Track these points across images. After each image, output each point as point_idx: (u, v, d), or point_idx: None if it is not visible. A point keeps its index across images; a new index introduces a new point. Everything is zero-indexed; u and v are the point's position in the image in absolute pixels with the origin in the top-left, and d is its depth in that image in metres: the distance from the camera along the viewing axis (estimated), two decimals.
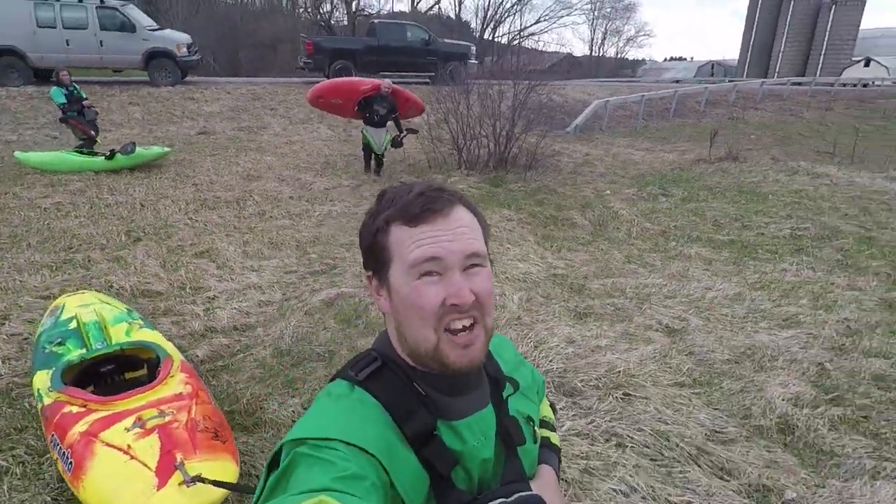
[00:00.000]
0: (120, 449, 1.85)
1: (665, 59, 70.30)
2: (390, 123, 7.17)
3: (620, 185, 7.07)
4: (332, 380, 0.71)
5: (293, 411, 2.46)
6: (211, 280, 3.88)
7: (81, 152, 6.85)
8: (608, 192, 6.65)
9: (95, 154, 6.84)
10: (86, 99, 7.16)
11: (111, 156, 6.70)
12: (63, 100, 6.86)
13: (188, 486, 1.70)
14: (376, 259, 0.69)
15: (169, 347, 2.52)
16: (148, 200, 5.70)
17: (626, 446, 2.31)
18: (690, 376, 2.95)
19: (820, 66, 38.83)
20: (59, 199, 5.56)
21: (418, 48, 13.58)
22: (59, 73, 6.94)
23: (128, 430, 1.91)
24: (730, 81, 16.74)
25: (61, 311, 2.70)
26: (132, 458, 1.81)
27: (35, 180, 6.22)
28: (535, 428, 0.81)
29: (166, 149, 7.33)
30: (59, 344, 2.45)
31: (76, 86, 7.08)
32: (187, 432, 1.93)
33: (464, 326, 0.64)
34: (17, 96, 10.06)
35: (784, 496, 2.20)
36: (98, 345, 2.46)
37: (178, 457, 1.81)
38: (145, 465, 1.79)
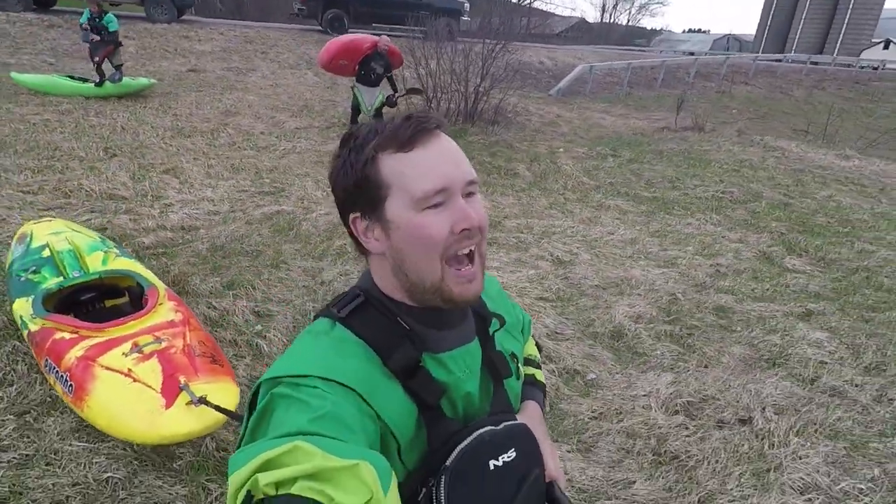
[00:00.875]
0: (121, 372, 1.90)
1: (683, 31, 68.60)
2: (383, 83, 7.07)
3: (576, 144, 7.50)
4: (314, 318, 0.71)
5: (211, 286, 3.04)
6: (171, 191, 4.42)
7: (71, 77, 7.29)
8: (561, 149, 7.09)
9: (85, 80, 7.28)
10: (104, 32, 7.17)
11: (100, 83, 7.15)
12: (83, 19, 6.99)
13: (196, 406, 1.76)
14: (368, 196, 0.65)
15: (149, 276, 2.56)
16: (129, 125, 6.20)
17: None
18: (556, 294, 3.50)
19: (838, 46, 38.17)
20: (48, 117, 6.06)
21: (412, 2, 13.67)
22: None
23: (125, 354, 1.95)
24: (728, 55, 16.73)
25: (30, 239, 2.68)
26: (135, 380, 1.86)
27: (28, 100, 6.70)
28: (519, 365, 0.82)
29: (152, 80, 7.77)
30: (34, 272, 2.45)
31: (105, 16, 7.04)
32: (186, 357, 1.98)
33: (470, 251, 0.65)
34: (17, 22, 10.38)
35: (586, 377, 2.78)
36: (75, 273, 2.48)
37: (182, 379, 1.86)
38: (149, 387, 1.84)
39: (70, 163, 4.81)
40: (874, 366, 2.97)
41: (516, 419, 0.72)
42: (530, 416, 0.80)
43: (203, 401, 1.76)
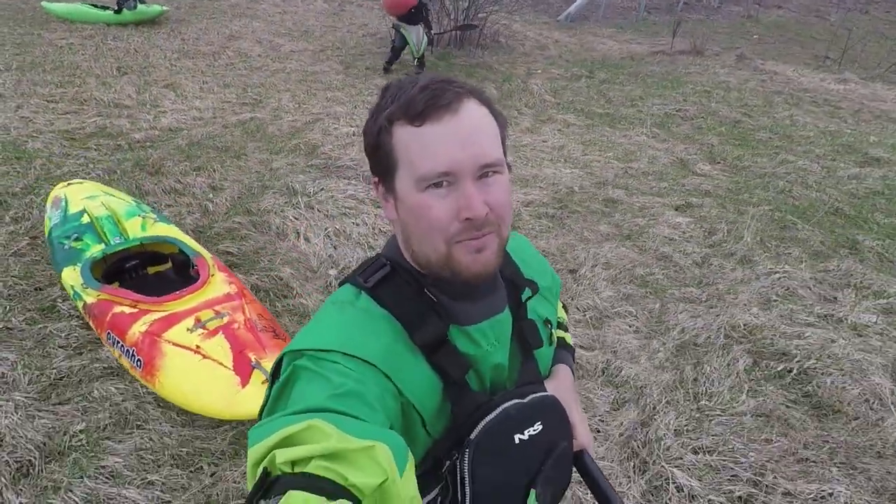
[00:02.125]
0: (189, 349, 1.91)
1: None
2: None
3: (556, 66, 7.84)
4: (340, 284, 0.71)
5: (181, 168, 3.89)
6: (166, 102, 5.26)
7: (94, 5, 8.13)
8: (539, 71, 7.47)
9: (106, 8, 8.10)
10: None
11: (119, 10, 7.95)
12: None
13: None
14: (380, 164, 0.65)
15: (191, 243, 2.55)
16: (141, 48, 7.02)
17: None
18: None
19: None
20: (73, 41, 6.95)
21: None
22: None
23: (190, 330, 1.97)
24: None
25: (66, 204, 2.69)
26: (205, 356, 1.88)
27: (57, 26, 7.60)
28: (552, 330, 0.81)
29: (165, 8, 8.51)
30: (77, 239, 2.47)
31: None
32: (250, 333, 2.00)
33: (475, 237, 0.62)
34: None
35: None
36: (116, 239, 2.48)
37: (252, 357, 1.88)
38: (221, 364, 1.86)
39: (87, 79, 5.69)
40: (717, 243, 3.57)
41: (545, 389, 0.72)
42: (560, 382, 0.79)
43: None
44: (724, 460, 2.04)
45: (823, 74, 8.58)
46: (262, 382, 1.80)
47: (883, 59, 10.43)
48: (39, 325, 2.43)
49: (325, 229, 3.29)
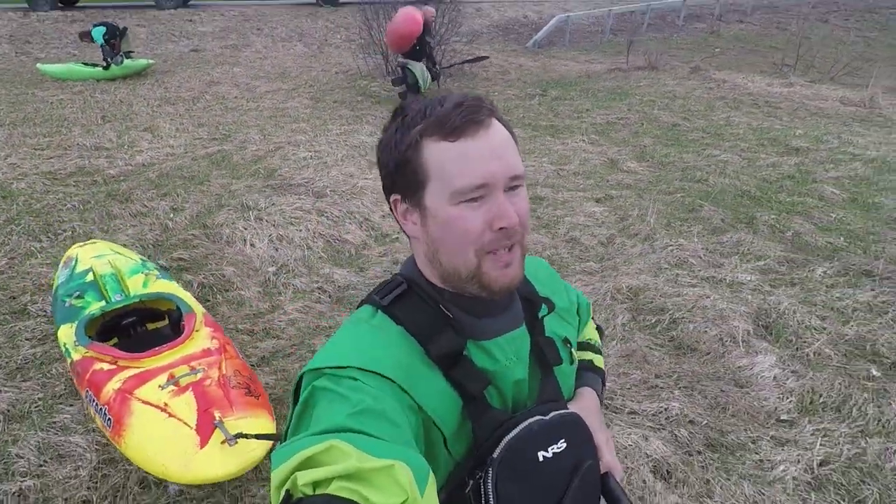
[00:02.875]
0: (157, 407, 1.91)
1: None
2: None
3: (514, 88, 8.43)
4: (358, 306, 0.73)
5: (149, 195, 4.40)
6: (143, 143, 5.83)
7: (85, 63, 8.91)
8: (495, 93, 8.05)
9: (96, 65, 8.87)
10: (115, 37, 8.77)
11: (107, 66, 8.71)
12: (101, 41, 8.60)
13: (230, 445, 1.75)
14: (407, 180, 0.66)
15: (188, 299, 2.59)
16: (126, 98, 7.70)
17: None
18: None
19: None
20: (62, 97, 7.64)
21: None
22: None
23: (161, 387, 1.97)
24: None
25: (75, 263, 2.76)
26: (170, 415, 1.88)
27: (49, 85, 8.34)
28: (572, 349, 0.82)
29: (150, 61, 9.29)
30: (79, 297, 2.51)
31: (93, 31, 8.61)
32: (221, 389, 1.99)
33: (505, 249, 0.64)
34: (46, 20, 12.22)
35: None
36: (117, 296, 2.53)
37: (217, 415, 1.86)
38: (184, 423, 1.85)
39: (73, 128, 6.31)
40: (625, 227, 3.98)
41: (567, 408, 0.72)
42: (586, 405, 0.79)
43: (239, 436, 1.77)
44: None
45: (771, 79, 9.11)
46: (222, 442, 1.77)
47: (836, 63, 10.99)
48: (10, 325, 2.88)
49: (270, 236, 3.75)
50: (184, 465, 1.74)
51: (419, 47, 6.48)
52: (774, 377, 2.47)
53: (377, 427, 0.54)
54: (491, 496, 0.60)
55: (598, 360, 0.93)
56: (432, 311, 0.68)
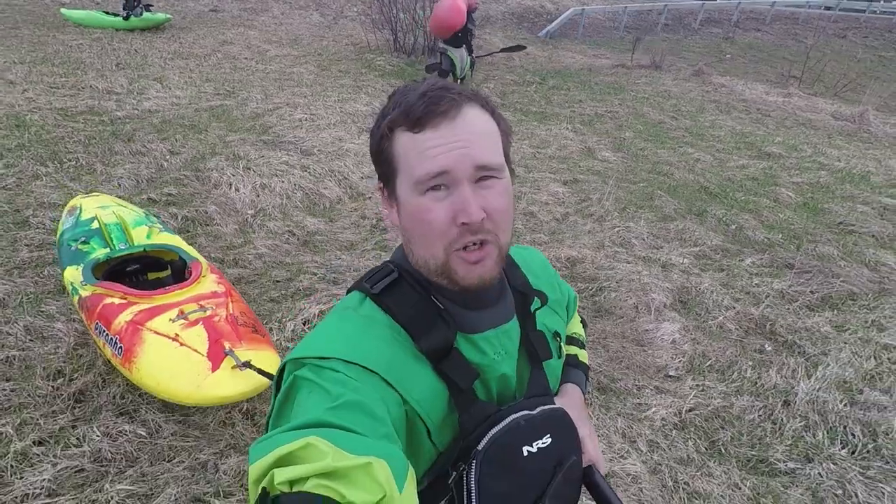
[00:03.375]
0: (168, 336, 2.00)
1: None
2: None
3: (515, 74, 8.66)
4: (347, 291, 0.73)
5: (149, 138, 4.73)
6: (152, 91, 6.16)
7: (106, 12, 9.22)
8: (495, 78, 8.29)
9: (117, 15, 9.17)
10: None
11: (127, 17, 9.01)
12: None
13: (241, 370, 1.86)
14: (383, 169, 0.67)
15: (191, 251, 2.66)
16: (141, 49, 8.01)
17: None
18: None
19: None
20: (82, 42, 7.97)
21: None
22: None
23: (172, 321, 2.06)
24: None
25: (80, 212, 2.84)
26: (182, 344, 1.97)
27: (70, 30, 8.66)
28: (561, 343, 0.82)
29: (168, 16, 9.58)
30: (84, 242, 2.59)
31: None
32: (229, 325, 2.09)
33: (473, 246, 0.63)
34: None
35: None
36: (121, 245, 2.61)
37: (227, 344, 1.96)
38: (196, 351, 1.93)
39: (88, 71, 6.64)
40: (583, 208, 4.28)
41: (554, 403, 0.72)
42: (570, 401, 0.80)
43: (248, 364, 1.87)
44: None
45: (770, 88, 9.28)
46: (232, 368, 1.88)
47: (842, 79, 11.10)
48: (13, 232, 3.24)
49: (254, 184, 4.08)
50: (196, 386, 1.85)
51: (460, 34, 6.51)
52: (674, 341, 2.79)
53: (356, 421, 0.54)
54: (473, 489, 0.61)
55: (583, 355, 0.92)
56: (423, 303, 0.67)
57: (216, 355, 1.93)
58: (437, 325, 0.65)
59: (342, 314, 0.68)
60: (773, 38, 14.83)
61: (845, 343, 2.83)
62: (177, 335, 2.00)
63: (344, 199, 4.17)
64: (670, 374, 2.62)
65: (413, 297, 0.67)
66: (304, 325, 2.65)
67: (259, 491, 0.48)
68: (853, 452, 2.22)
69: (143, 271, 2.63)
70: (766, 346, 2.85)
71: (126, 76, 6.60)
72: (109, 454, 1.94)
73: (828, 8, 17.29)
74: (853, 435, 2.28)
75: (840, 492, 2.04)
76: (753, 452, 2.20)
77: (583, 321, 1.03)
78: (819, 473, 2.10)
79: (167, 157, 4.43)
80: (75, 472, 1.88)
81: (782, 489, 2.05)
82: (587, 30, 13.52)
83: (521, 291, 0.76)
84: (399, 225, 0.68)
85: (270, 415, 0.61)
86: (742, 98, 8.33)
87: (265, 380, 1.89)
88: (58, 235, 2.78)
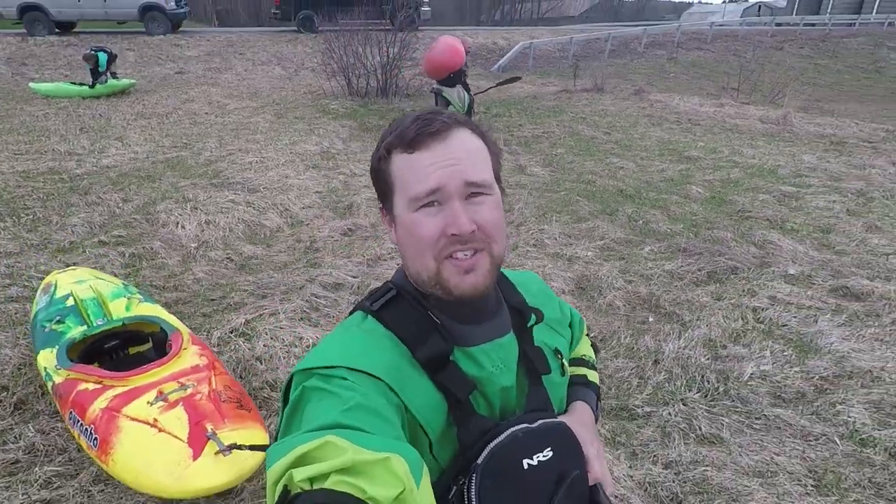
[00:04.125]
0: (146, 423, 1.90)
1: (723, 2, 67.99)
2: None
3: None
4: (350, 312, 0.76)
5: (104, 190, 5.12)
6: (112, 150, 6.60)
7: (73, 83, 9.79)
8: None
9: (83, 84, 9.74)
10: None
11: (93, 85, 9.58)
12: (105, 66, 9.57)
13: (225, 455, 1.76)
14: (381, 190, 0.72)
15: (173, 321, 2.59)
16: (105, 113, 8.51)
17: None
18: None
19: (876, 6, 37.34)
20: (48, 111, 8.47)
21: None
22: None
23: (150, 403, 1.95)
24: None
25: (55, 289, 2.75)
26: (160, 430, 1.86)
27: (39, 102, 9.18)
28: (564, 361, 0.83)
29: (133, 81, 10.17)
30: (59, 322, 2.49)
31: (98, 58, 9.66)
32: (212, 403, 1.98)
33: (465, 256, 0.66)
34: (42, 44, 13.19)
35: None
36: (99, 321, 2.50)
37: (209, 427, 1.86)
38: (176, 437, 1.83)
39: (52, 137, 7.10)
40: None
41: (555, 417, 0.73)
42: (577, 416, 0.81)
43: (233, 447, 1.78)
44: None
45: (705, 100, 9.93)
46: (216, 454, 1.79)
47: (776, 86, 11.85)
48: None
49: (199, 221, 4.45)
50: (177, 477, 1.74)
51: (453, 74, 6.65)
52: None
53: (370, 423, 0.55)
54: (474, 502, 0.61)
55: (593, 376, 0.94)
56: (420, 317, 0.70)
57: (198, 440, 1.83)
58: (432, 337, 0.68)
59: (345, 328, 0.72)
60: (715, 55, 15.77)
61: (719, 310, 3.20)
62: (155, 420, 1.91)
63: (283, 228, 4.55)
64: None
65: (410, 312, 0.71)
66: (231, 332, 2.97)
67: (279, 490, 0.49)
68: (705, 396, 2.55)
69: (123, 347, 2.54)
70: (650, 317, 3.20)
71: (88, 138, 7.05)
72: None
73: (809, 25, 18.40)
74: (708, 382, 2.62)
75: (685, 426, 2.36)
76: (617, 402, 2.53)
77: (594, 345, 1.04)
78: (670, 413, 2.42)
79: (120, 204, 4.81)
80: None
81: (636, 429, 2.36)
82: (537, 61, 14.35)
83: (517, 308, 0.78)
84: (396, 241, 0.72)
85: (280, 427, 0.63)
86: (675, 111, 8.94)
87: (252, 464, 1.81)
88: (31, 317, 2.67)
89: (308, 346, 2.87)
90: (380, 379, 0.62)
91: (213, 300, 3.38)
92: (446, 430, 0.66)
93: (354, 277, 3.59)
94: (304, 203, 4.97)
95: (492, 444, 0.65)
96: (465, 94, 6.68)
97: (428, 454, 0.65)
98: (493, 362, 0.71)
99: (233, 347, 2.84)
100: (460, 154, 0.66)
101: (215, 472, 1.75)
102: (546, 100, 9.77)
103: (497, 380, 0.71)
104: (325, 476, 0.48)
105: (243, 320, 3.07)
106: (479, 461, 0.63)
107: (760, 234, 4.14)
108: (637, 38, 16.05)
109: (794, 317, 3.09)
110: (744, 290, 3.39)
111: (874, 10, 35.27)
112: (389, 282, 0.76)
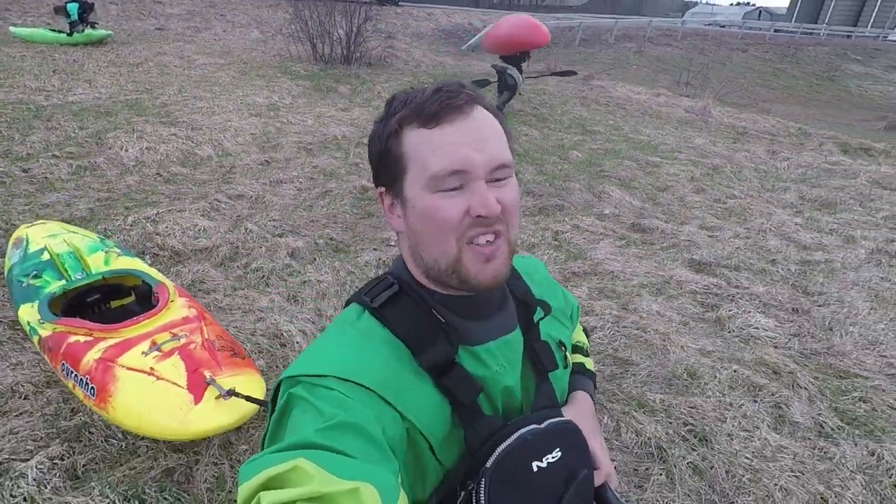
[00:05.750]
0: (143, 371, 1.94)
1: (731, 4, 68.89)
2: None
3: (412, 78, 10.12)
4: (346, 304, 0.74)
5: (65, 119, 5.99)
6: (79, 90, 7.44)
7: (52, 30, 10.57)
8: (391, 81, 9.74)
9: (62, 31, 10.51)
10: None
11: (70, 33, 10.36)
12: (76, 16, 10.36)
13: (225, 399, 1.85)
14: (388, 170, 0.67)
15: (155, 274, 2.59)
16: (79, 60, 9.32)
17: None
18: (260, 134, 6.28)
19: (873, 17, 38.54)
20: (25, 54, 9.26)
21: None
22: None
23: (145, 353, 2.00)
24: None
25: (27, 243, 2.72)
26: (158, 378, 1.92)
27: (18, 45, 9.96)
28: (567, 353, 0.83)
29: (109, 32, 10.95)
30: (36, 276, 2.47)
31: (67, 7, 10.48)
32: (207, 351, 2.04)
33: (487, 241, 0.64)
34: None
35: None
36: (78, 275, 2.49)
37: (207, 374, 1.92)
38: (175, 384, 1.89)
39: (25, 75, 7.92)
40: None
41: (562, 415, 0.72)
42: (579, 408, 0.81)
43: (232, 393, 1.85)
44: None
45: (644, 90, 10.86)
46: (216, 398, 1.85)
47: (726, 85, 12.80)
48: None
49: (142, 147, 5.35)
50: (180, 421, 1.81)
51: (520, 53, 7.08)
52: None
53: (347, 443, 0.54)
54: None
55: (588, 363, 0.94)
56: (424, 317, 0.68)
57: (197, 386, 1.91)
58: (437, 340, 0.66)
59: (340, 329, 0.69)
60: (682, 52, 16.68)
61: (529, 229, 4.16)
62: (152, 369, 1.97)
63: (213, 157, 5.46)
64: None
65: (413, 310, 0.69)
66: (143, 219, 3.89)
67: None
68: None
69: (104, 300, 2.56)
70: None
71: (59, 79, 7.89)
72: None
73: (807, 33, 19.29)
74: None
75: None
76: None
77: (585, 330, 1.05)
78: None
79: (76, 130, 5.70)
80: None
81: None
82: None
83: (523, 301, 0.77)
84: (406, 228, 0.68)
85: (266, 434, 0.62)
86: (610, 96, 9.87)
87: (253, 407, 1.90)
88: (5, 271, 2.68)
89: (200, 231, 3.80)
90: (371, 391, 0.61)
91: (135, 200, 4.30)
92: (450, 431, 0.66)
93: (253, 191, 4.53)
94: (237, 141, 5.87)
95: (500, 448, 0.64)
96: (520, 74, 7.19)
97: (430, 457, 0.65)
98: (497, 361, 0.70)
99: (141, 227, 3.77)
100: (485, 132, 0.64)
101: (217, 415, 1.85)
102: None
103: (501, 379, 0.70)
104: (291, 503, 0.48)
105: (155, 212, 3.99)
106: (488, 465, 0.63)
107: (603, 188, 5.11)
108: (609, 29, 16.93)
109: (584, 238, 4.07)
110: (558, 220, 4.36)
111: (870, 24, 36.43)
112: (389, 274, 0.74)
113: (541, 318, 0.78)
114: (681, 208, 4.80)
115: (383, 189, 0.70)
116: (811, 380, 2.67)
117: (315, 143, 6.07)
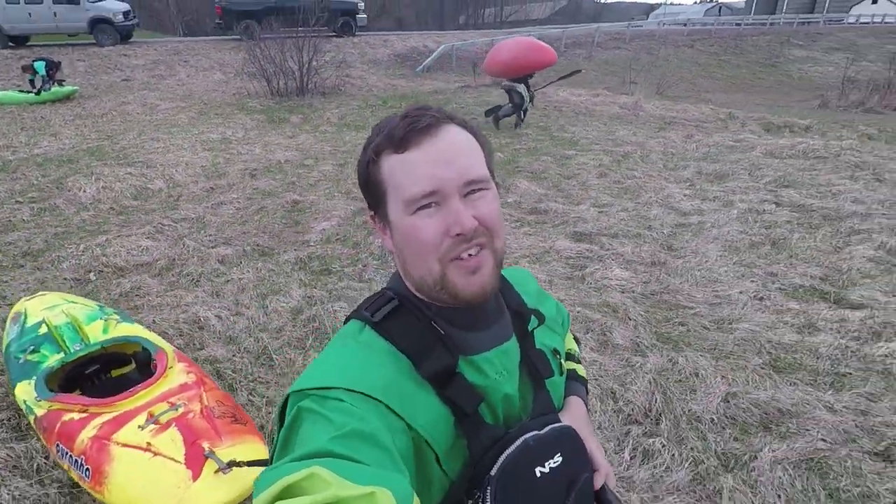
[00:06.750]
0: (139, 448, 1.89)
1: (695, 2, 71.11)
2: None
3: (361, 100, 10.84)
4: (346, 321, 0.76)
5: (30, 169, 6.60)
6: (44, 143, 8.08)
7: (21, 91, 11.28)
8: (342, 107, 10.45)
9: (30, 91, 11.22)
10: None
11: (38, 92, 11.08)
12: (44, 72, 11.12)
13: (224, 473, 1.77)
14: (372, 196, 0.72)
15: (156, 339, 2.57)
16: (46, 116, 10.00)
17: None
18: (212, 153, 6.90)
19: (827, 4, 40.05)
20: None
21: (310, 6, 17.24)
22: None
23: (142, 427, 1.96)
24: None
25: (25, 318, 2.70)
26: (155, 454, 1.86)
27: None
28: (562, 361, 0.87)
29: (75, 88, 11.68)
30: (33, 352, 2.45)
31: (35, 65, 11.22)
32: (206, 420, 1.99)
33: (469, 255, 0.66)
34: None
35: None
36: (76, 346, 2.46)
37: (206, 445, 1.87)
38: (172, 459, 1.83)
39: None
40: (344, 180, 6.22)
41: (560, 420, 0.75)
42: (574, 414, 0.83)
43: (233, 464, 1.80)
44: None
45: (583, 91, 11.59)
46: (216, 472, 1.80)
47: (664, 80, 13.56)
48: None
49: (98, 186, 5.95)
50: (178, 500, 1.75)
51: (531, 75, 7.61)
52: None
53: (360, 451, 0.56)
54: None
55: (580, 370, 0.97)
56: (423, 329, 0.71)
57: (195, 460, 1.85)
58: (437, 350, 0.69)
59: (343, 342, 0.72)
60: (630, 53, 17.55)
61: None
62: (149, 444, 1.92)
63: (164, 189, 6.06)
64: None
65: (414, 323, 0.71)
66: (96, 246, 4.45)
67: None
68: None
69: (104, 370, 2.54)
70: None
71: (26, 135, 8.55)
72: None
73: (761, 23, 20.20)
74: None
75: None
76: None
77: (576, 338, 1.09)
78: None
79: (39, 178, 6.31)
80: None
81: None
82: (462, 62, 16.00)
83: (517, 311, 0.80)
84: (394, 249, 0.72)
85: (275, 449, 0.63)
86: (549, 100, 10.58)
87: (256, 475, 1.95)
88: (3, 348, 2.67)
89: (143, 250, 4.37)
90: (379, 401, 0.63)
91: (88, 231, 4.88)
92: (454, 441, 0.68)
93: (195, 214, 5.12)
94: (188, 173, 6.49)
95: (504, 455, 0.66)
96: (527, 90, 7.74)
97: (436, 467, 0.67)
98: (496, 370, 0.73)
99: (91, 252, 4.33)
100: (453, 150, 0.67)
101: (217, 491, 1.77)
102: (443, 94, 11.38)
103: (500, 387, 0.72)
104: None
105: (105, 239, 4.57)
106: (493, 473, 0.65)
107: (513, 181, 5.72)
108: (559, 38, 17.78)
109: None
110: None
111: (825, 9, 37.87)
112: (388, 289, 0.77)
113: (535, 327, 0.81)
114: (580, 191, 5.41)
115: (372, 213, 0.75)
116: (641, 312, 3.23)
117: (259, 168, 6.70)
